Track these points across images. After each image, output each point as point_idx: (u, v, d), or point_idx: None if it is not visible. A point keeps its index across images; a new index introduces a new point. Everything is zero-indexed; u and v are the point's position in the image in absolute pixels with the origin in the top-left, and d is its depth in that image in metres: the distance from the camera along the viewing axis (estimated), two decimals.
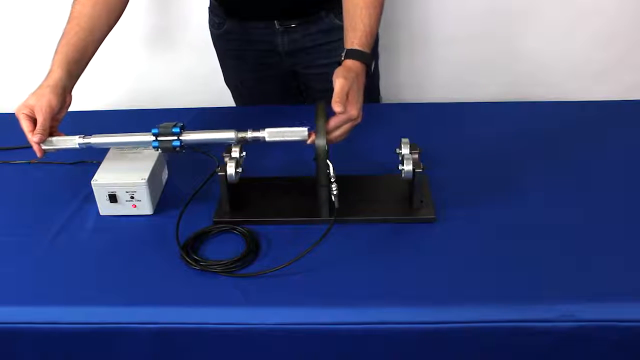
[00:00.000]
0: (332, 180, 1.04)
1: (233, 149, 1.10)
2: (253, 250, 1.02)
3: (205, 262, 0.99)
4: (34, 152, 1.33)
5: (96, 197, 1.10)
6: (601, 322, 0.89)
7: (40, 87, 1.10)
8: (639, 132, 1.36)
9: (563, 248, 1.01)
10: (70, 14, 1.18)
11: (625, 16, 1.78)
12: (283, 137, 1.05)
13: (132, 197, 1.10)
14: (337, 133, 1.06)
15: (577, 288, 0.93)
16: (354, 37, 1.10)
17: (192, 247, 1.02)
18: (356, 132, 1.32)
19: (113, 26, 1.23)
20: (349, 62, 1.09)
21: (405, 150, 1.07)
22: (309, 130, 1.04)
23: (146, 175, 1.10)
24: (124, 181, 1.09)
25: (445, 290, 0.93)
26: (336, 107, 1.02)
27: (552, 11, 1.79)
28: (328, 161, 1.03)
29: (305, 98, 1.62)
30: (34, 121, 1.07)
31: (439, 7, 1.80)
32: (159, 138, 1.06)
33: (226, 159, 1.08)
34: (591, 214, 1.09)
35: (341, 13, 1.37)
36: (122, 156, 1.17)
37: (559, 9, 1.78)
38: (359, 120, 1.06)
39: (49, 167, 1.29)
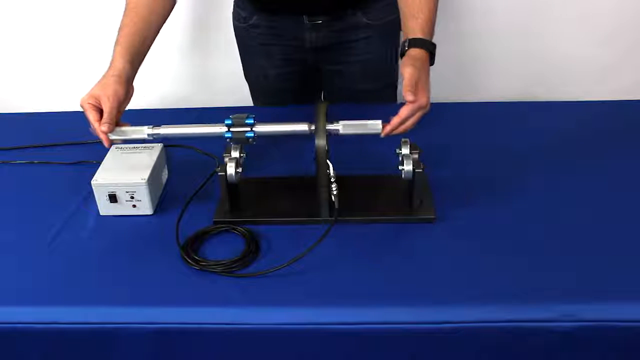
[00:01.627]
0: (332, 180, 1.04)
1: (233, 149, 1.10)
2: (253, 250, 1.02)
3: (205, 262, 0.99)
4: (34, 152, 1.34)
5: (96, 197, 1.10)
6: (601, 322, 0.89)
7: (104, 77, 1.09)
8: (639, 132, 1.36)
9: (563, 248, 1.01)
10: (127, 5, 1.18)
11: (626, 16, 1.78)
12: (357, 130, 1.05)
13: (132, 197, 1.10)
14: (408, 123, 1.06)
15: (577, 288, 0.93)
16: (416, 26, 1.10)
17: (192, 247, 1.02)
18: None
19: (168, 15, 1.23)
20: (414, 51, 1.08)
21: (405, 150, 1.07)
22: (382, 123, 1.05)
23: (146, 175, 1.10)
24: (124, 181, 1.09)
25: (445, 290, 0.93)
26: (408, 96, 1.01)
27: (552, 11, 1.78)
28: (328, 161, 1.03)
29: (322, 95, 1.63)
30: (99, 111, 1.06)
31: (439, 7, 1.80)
32: (232, 129, 1.05)
33: (226, 159, 1.08)
34: (591, 214, 1.09)
35: (369, 12, 1.40)
36: (122, 156, 1.17)
37: (560, 9, 1.78)
38: (428, 108, 1.06)
39: (49, 167, 1.29)
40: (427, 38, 1.10)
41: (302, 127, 1.06)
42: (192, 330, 0.91)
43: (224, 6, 1.58)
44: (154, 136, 1.08)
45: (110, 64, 1.12)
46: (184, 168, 1.24)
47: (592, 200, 1.12)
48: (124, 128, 1.08)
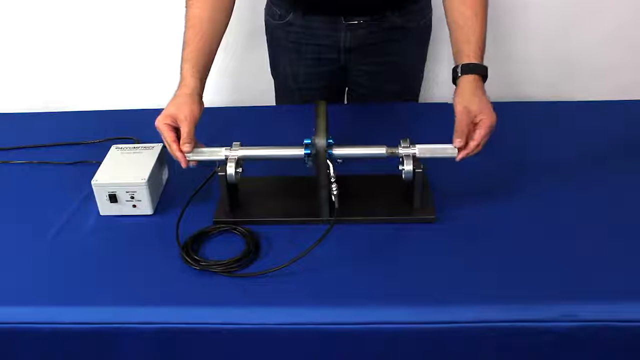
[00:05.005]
0: (332, 180, 1.04)
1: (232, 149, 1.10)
2: (253, 250, 1.02)
3: (205, 262, 0.99)
4: (34, 152, 1.34)
5: (96, 197, 1.10)
6: (601, 322, 0.89)
7: (176, 96, 1.08)
8: (639, 132, 1.36)
9: (563, 248, 1.01)
10: (188, 19, 1.16)
11: (626, 16, 1.78)
12: (433, 154, 1.06)
13: (132, 197, 1.10)
14: (482, 143, 1.06)
15: (577, 288, 0.93)
16: (469, 51, 1.11)
17: (192, 247, 1.02)
18: (356, 132, 1.33)
19: (228, 22, 1.22)
20: (468, 78, 1.10)
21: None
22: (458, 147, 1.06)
23: (146, 175, 1.10)
24: (124, 181, 1.09)
25: (445, 290, 0.93)
26: (456, 142, 1.03)
27: (552, 11, 1.79)
28: (328, 161, 1.03)
29: (347, 94, 1.64)
30: (176, 131, 1.06)
31: (439, 6, 1.80)
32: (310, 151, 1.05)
33: (226, 159, 1.08)
34: (591, 214, 1.09)
35: (405, 14, 1.42)
36: (122, 156, 1.17)
37: (559, 9, 1.78)
38: (495, 119, 1.06)
39: (49, 167, 1.29)
40: (479, 62, 1.12)
41: (380, 150, 1.07)
42: (192, 330, 0.91)
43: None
44: (231, 157, 1.07)
45: (181, 81, 1.10)
46: (184, 168, 1.24)
47: (592, 200, 1.12)
48: (201, 149, 1.08)
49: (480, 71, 1.10)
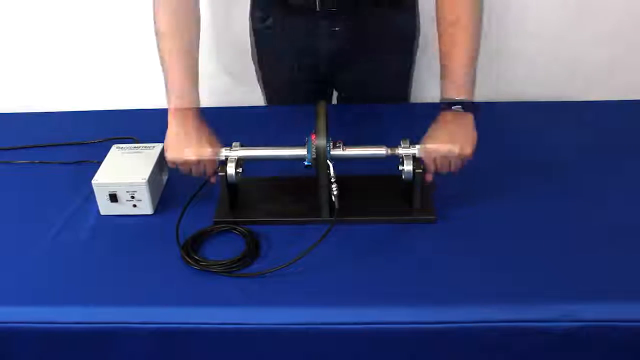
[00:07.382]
0: (332, 180, 1.04)
1: (233, 149, 1.10)
2: (253, 250, 1.02)
3: (205, 262, 0.99)
4: (34, 152, 1.34)
5: (96, 197, 1.10)
6: (601, 322, 0.89)
7: (192, 129, 1.10)
8: (638, 132, 1.36)
9: (563, 248, 1.01)
10: (161, 30, 1.14)
11: (625, 16, 1.78)
12: (435, 153, 1.07)
13: (132, 197, 1.10)
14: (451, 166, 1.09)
15: (577, 288, 0.93)
16: (451, 86, 1.10)
17: (192, 247, 1.02)
18: (356, 132, 1.33)
19: (199, 30, 1.18)
20: (444, 115, 1.10)
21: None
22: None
23: (146, 175, 1.10)
24: (125, 181, 1.09)
25: (445, 290, 0.93)
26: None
27: (552, 10, 1.78)
28: (328, 161, 1.03)
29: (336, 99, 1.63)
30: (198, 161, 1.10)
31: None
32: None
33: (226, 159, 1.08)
34: (591, 214, 1.09)
35: (387, 20, 1.39)
36: (123, 156, 1.17)
37: (559, 8, 1.78)
38: (470, 151, 1.07)
39: (49, 167, 1.29)
40: (466, 98, 1.09)
41: (380, 150, 1.08)
42: (192, 330, 0.91)
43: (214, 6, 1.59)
44: (231, 157, 1.08)
45: (179, 94, 1.10)
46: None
47: (592, 200, 1.12)
48: (201, 150, 1.09)
49: (464, 107, 1.08)
